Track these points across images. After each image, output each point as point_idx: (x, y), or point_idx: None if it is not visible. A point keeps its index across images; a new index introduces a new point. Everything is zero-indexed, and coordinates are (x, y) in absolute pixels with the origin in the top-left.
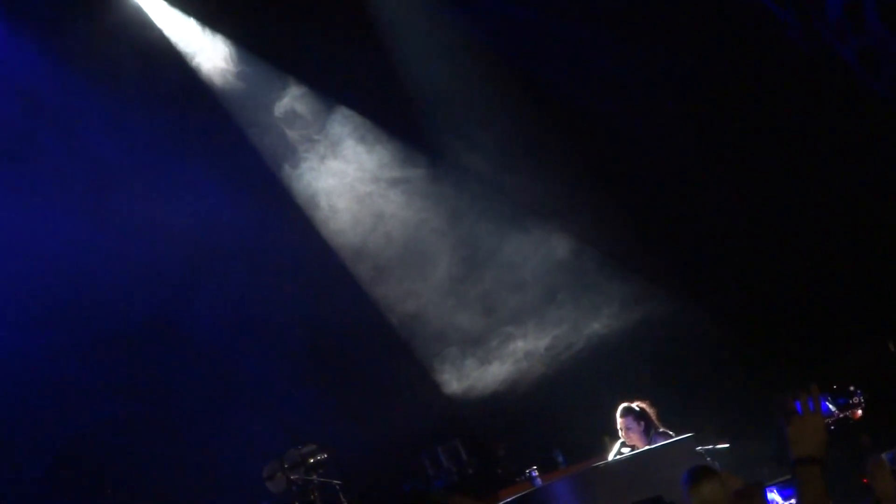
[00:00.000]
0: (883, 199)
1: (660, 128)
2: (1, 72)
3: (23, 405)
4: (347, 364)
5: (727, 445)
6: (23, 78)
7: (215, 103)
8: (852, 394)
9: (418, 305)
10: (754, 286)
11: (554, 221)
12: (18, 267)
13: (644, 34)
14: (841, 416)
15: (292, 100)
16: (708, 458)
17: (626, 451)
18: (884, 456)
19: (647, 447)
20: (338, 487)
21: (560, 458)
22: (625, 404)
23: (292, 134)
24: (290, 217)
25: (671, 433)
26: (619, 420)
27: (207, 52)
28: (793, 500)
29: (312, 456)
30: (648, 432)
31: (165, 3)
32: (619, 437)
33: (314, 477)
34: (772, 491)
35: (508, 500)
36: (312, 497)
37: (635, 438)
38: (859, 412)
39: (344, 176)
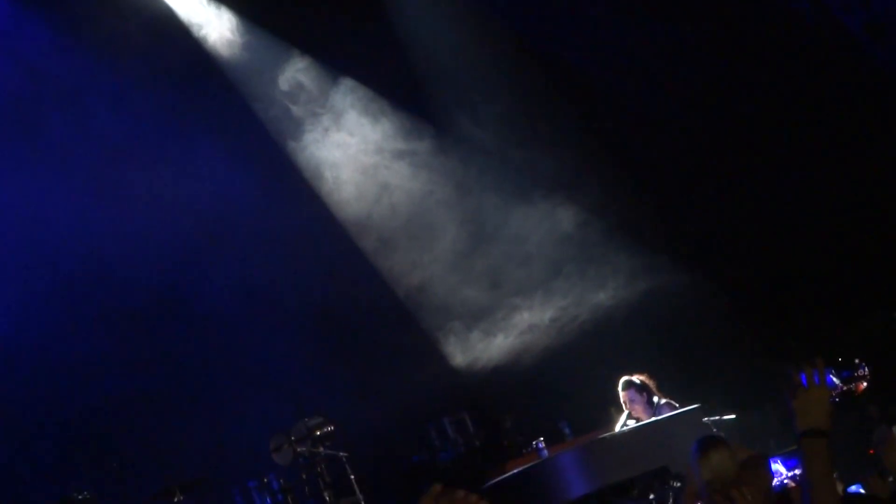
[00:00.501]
0: (890, 171)
1: (667, 100)
2: (8, 47)
3: (32, 380)
4: (354, 336)
5: (733, 417)
6: (29, 53)
7: (221, 77)
8: (857, 367)
9: (424, 278)
10: (761, 257)
11: (560, 193)
12: (26, 242)
13: (650, 6)
14: (845, 388)
15: (298, 72)
16: (714, 430)
17: (631, 422)
18: (894, 429)
19: (653, 418)
20: (344, 460)
21: (566, 430)
22: (625, 378)
23: (298, 107)
24: (297, 190)
25: (675, 404)
26: (621, 394)
27: (213, 25)
28: (797, 471)
29: (319, 428)
30: (652, 403)
31: None
32: (624, 410)
33: (321, 449)
34: (776, 461)
35: (515, 471)
36: (319, 469)
37: (639, 410)
38: (864, 385)
39: (349, 148)
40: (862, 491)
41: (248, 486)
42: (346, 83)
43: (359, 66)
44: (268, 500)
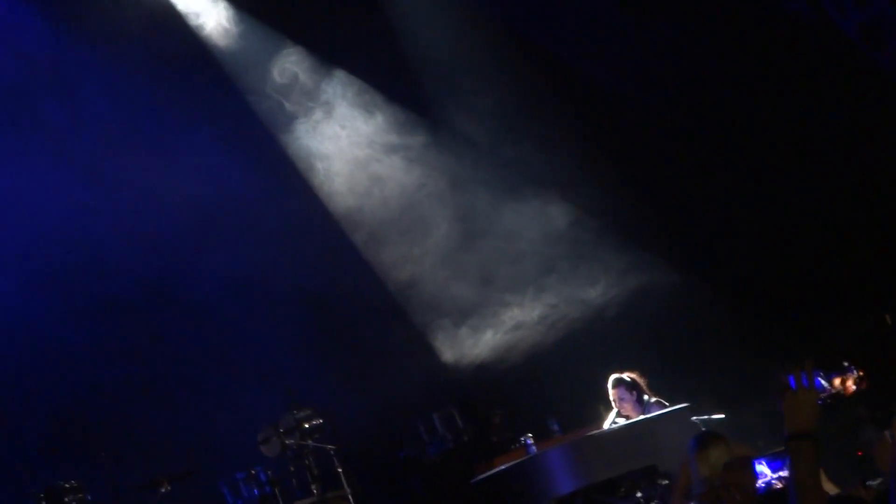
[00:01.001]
0: (884, 173)
1: (661, 98)
2: (1, 34)
3: (21, 368)
4: (344, 330)
5: (723, 416)
6: (23, 41)
7: (215, 67)
8: (846, 369)
9: (415, 273)
10: (753, 257)
11: (553, 191)
12: (18, 230)
13: (646, 4)
14: (834, 391)
15: (292, 64)
16: (703, 429)
17: (620, 420)
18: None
19: (642, 416)
20: (332, 452)
21: (555, 427)
22: (615, 375)
23: (292, 98)
24: (290, 182)
25: (665, 402)
26: (610, 391)
27: (208, 14)
28: (782, 473)
29: (308, 421)
30: (641, 401)
31: None
32: (613, 407)
33: (309, 442)
34: (760, 463)
35: (503, 467)
36: (307, 462)
37: (629, 408)
38: (852, 388)
39: (342, 140)
40: None
41: (235, 477)
42: (341, 75)
43: (353, 59)
44: (255, 491)
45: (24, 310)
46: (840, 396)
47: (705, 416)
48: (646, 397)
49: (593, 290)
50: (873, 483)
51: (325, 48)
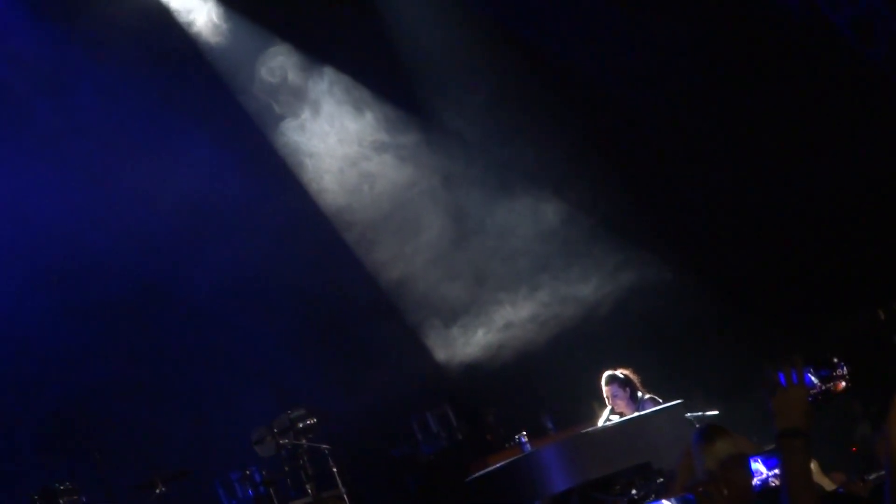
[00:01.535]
0: (876, 168)
1: (653, 95)
2: None
3: (14, 370)
4: (338, 329)
5: (716, 413)
6: (14, 41)
7: (207, 66)
8: (835, 366)
9: (408, 271)
10: (746, 254)
11: (545, 188)
12: (11, 231)
13: (637, 1)
14: (824, 388)
15: (283, 62)
16: (697, 426)
17: (614, 418)
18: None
19: (635, 413)
20: (327, 452)
21: (549, 425)
22: (608, 372)
23: (283, 97)
24: (283, 182)
25: (659, 399)
26: (604, 388)
27: (198, 13)
28: (777, 470)
29: (302, 420)
30: (635, 398)
31: None
32: (607, 405)
33: (303, 441)
34: (756, 460)
35: (497, 465)
36: (301, 462)
37: (622, 405)
38: (843, 384)
39: (334, 139)
40: None
41: (230, 477)
42: (332, 74)
43: (344, 57)
44: (250, 492)
45: (19, 310)
46: (830, 393)
47: (699, 413)
48: (639, 394)
49: (586, 288)
50: (871, 477)
51: (316, 46)
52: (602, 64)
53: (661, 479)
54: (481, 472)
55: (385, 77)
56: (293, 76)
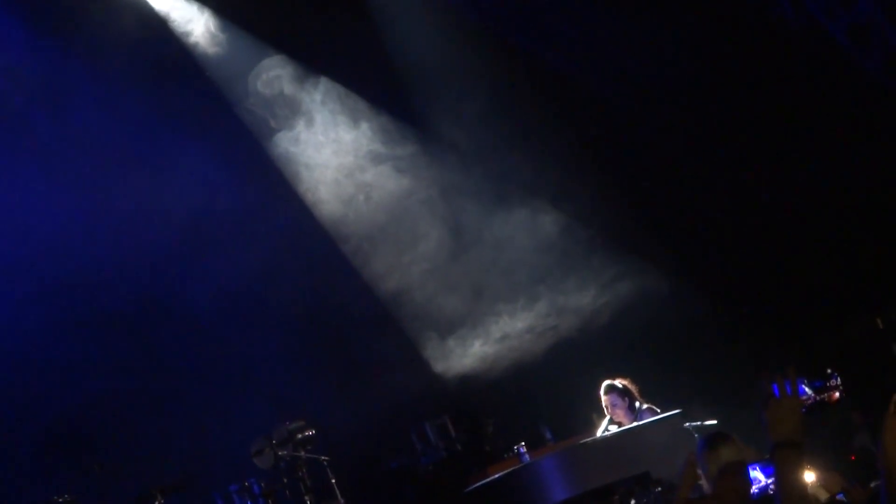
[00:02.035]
0: (873, 176)
1: (650, 105)
2: None
3: (13, 383)
4: (336, 340)
5: (715, 422)
6: (11, 54)
7: (204, 79)
8: (829, 377)
9: (406, 283)
10: (745, 263)
11: (543, 199)
12: (9, 244)
13: (634, 12)
14: (818, 398)
15: (280, 74)
16: (696, 435)
17: (613, 427)
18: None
19: (634, 423)
20: (325, 464)
21: (548, 435)
22: (607, 382)
23: (280, 109)
24: (279, 193)
25: (657, 409)
26: (603, 398)
27: (194, 25)
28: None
29: (300, 432)
30: (633, 408)
31: None
32: (606, 414)
33: (302, 453)
34: (754, 468)
35: (497, 475)
36: (300, 473)
37: (621, 415)
38: (836, 395)
39: (331, 150)
40: None
41: (229, 489)
42: (329, 85)
43: (342, 69)
44: (249, 503)
45: (17, 324)
46: (824, 403)
47: (697, 423)
48: (637, 404)
49: (584, 298)
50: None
51: (312, 57)
52: (600, 74)
53: (660, 489)
54: (480, 483)
55: (381, 88)
56: (289, 87)
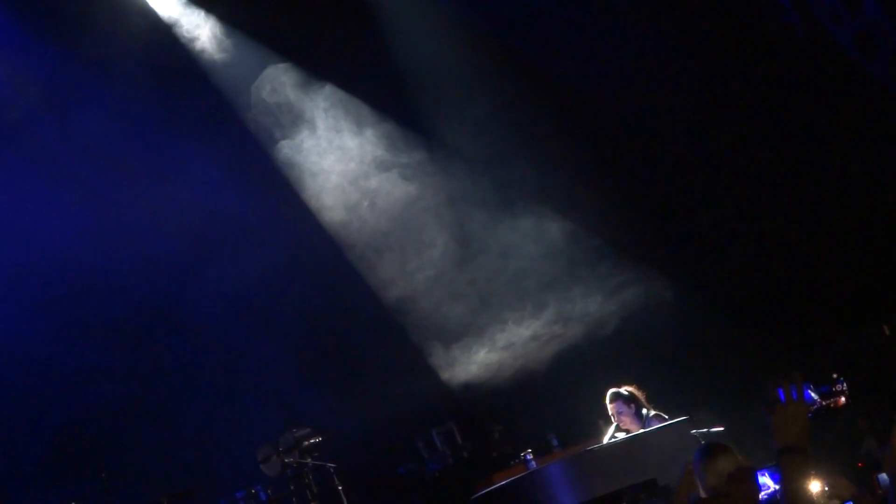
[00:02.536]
0: (879, 183)
1: (657, 112)
2: None
3: (19, 391)
4: (343, 347)
5: (722, 429)
6: (17, 62)
7: (209, 86)
8: (835, 382)
9: (413, 290)
10: (752, 270)
11: (549, 206)
12: (16, 251)
13: (641, 20)
14: (824, 404)
15: (285, 81)
16: (702, 442)
17: (620, 435)
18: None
19: (641, 430)
20: (332, 471)
21: (555, 442)
22: (613, 389)
23: (286, 116)
24: (285, 200)
25: (665, 416)
26: (609, 406)
27: (200, 32)
28: None
29: (307, 439)
30: (640, 415)
31: None
32: (613, 422)
33: (308, 460)
34: (763, 474)
35: (503, 482)
36: (307, 480)
37: (628, 422)
38: (843, 400)
39: (337, 157)
40: None
41: (235, 496)
42: (334, 92)
43: (347, 75)
44: None
45: (23, 331)
46: (830, 409)
47: (704, 430)
48: (644, 411)
49: (591, 305)
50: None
51: (317, 64)
52: (607, 82)
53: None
54: (487, 490)
55: (386, 95)
56: (294, 94)
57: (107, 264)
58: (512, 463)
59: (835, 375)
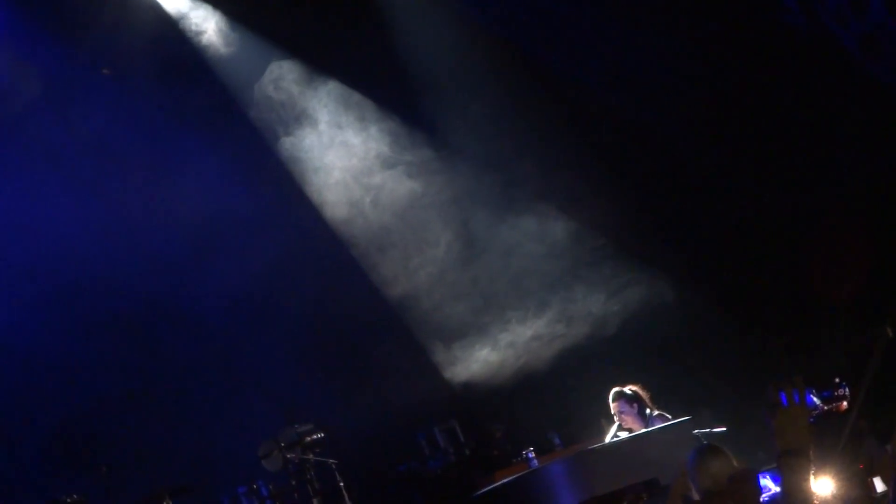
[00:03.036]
0: (883, 184)
1: (661, 113)
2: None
3: (20, 384)
4: (345, 344)
5: (724, 430)
6: (21, 56)
7: (213, 80)
8: (837, 386)
9: (415, 288)
10: (755, 272)
11: (552, 205)
12: (18, 246)
13: (645, 20)
14: (826, 408)
15: (290, 77)
16: (705, 442)
17: (622, 434)
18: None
19: (643, 430)
20: (334, 467)
21: (556, 440)
22: (616, 388)
23: (290, 112)
24: (288, 196)
25: (668, 416)
26: (611, 405)
27: (204, 27)
28: None
29: (309, 435)
30: (643, 415)
31: None
32: (615, 421)
33: (310, 456)
34: (765, 477)
35: (505, 480)
36: (308, 476)
37: (630, 421)
38: (845, 404)
39: (341, 155)
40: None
41: (237, 491)
42: (339, 89)
43: (351, 72)
44: None
45: (26, 326)
46: (832, 413)
47: (707, 430)
48: (648, 410)
49: (594, 305)
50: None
51: (321, 60)
52: (611, 81)
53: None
54: (488, 488)
55: (391, 92)
56: (299, 90)
57: (109, 259)
58: (514, 461)
59: (837, 380)
